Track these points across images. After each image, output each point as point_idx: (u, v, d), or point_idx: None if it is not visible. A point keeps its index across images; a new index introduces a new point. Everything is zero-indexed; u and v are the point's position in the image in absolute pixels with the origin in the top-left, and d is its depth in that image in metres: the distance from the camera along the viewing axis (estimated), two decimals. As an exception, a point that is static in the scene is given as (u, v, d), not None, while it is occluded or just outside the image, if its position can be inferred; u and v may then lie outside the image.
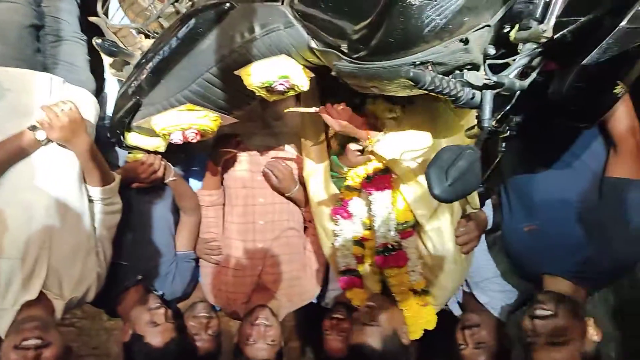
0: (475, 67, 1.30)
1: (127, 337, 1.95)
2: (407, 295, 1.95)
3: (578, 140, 1.78)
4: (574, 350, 1.61)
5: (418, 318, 1.95)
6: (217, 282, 2.36)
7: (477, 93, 1.23)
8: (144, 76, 1.84)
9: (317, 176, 2.16)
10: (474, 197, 1.88)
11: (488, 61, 1.26)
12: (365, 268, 2.05)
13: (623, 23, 1.21)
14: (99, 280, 1.94)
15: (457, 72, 1.26)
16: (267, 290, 2.33)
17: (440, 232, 1.87)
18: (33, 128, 1.83)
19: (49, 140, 1.85)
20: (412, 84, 1.15)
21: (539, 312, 1.67)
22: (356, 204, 2.02)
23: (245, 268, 2.32)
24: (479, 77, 1.23)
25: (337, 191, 2.10)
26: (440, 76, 1.17)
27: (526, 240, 1.85)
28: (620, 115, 1.68)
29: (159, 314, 1.91)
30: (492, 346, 1.95)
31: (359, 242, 2.04)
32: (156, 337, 1.88)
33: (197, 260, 2.39)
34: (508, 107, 1.44)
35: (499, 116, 1.48)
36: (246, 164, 2.35)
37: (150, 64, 1.83)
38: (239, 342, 2.14)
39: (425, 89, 1.16)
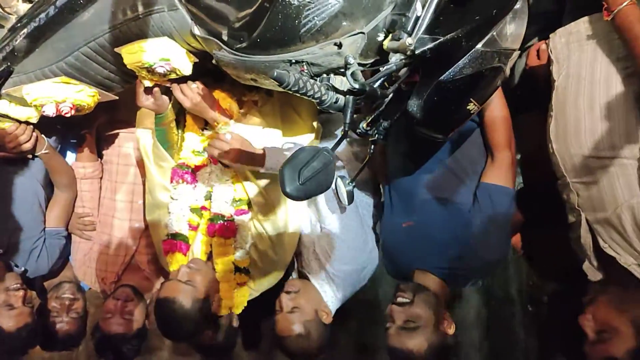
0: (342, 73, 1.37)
1: None
2: (228, 269, 1.99)
3: (459, 146, 1.89)
4: (423, 338, 1.72)
5: (231, 294, 2.01)
6: (88, 260, 2.30)
7: (342, 97, 1.28)
8: (18, 42, 1.75)
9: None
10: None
11: (359, 68, 1.32)
12: (196, 237, 2.06)
13: (478, 46, 1.32)
14: None
15: (324, 75, 1.31)
16: (139, 271, 2.29)
17: (275, 223, 1.96)
18: None
19: None
20: (277, 83, 1.17)
21: (398, 299, 1.78)
22: (204, 172, 2.03)
23: (120, 247, 2.27)
24: (344, 82, 1.29)
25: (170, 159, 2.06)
26: (306, 78, 1.21)
27: (403, 236, 1.94)
28: (499, 128, 1.81)
29: (16, 296, 1.84)
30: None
31: (198, 210, 2.04)
32: (8, 321, 1.83)
33: (68, 238, 2.31)
34: (377, 113, 1.53)
35: (370, 120, 1.57)
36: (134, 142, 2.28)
37: (25, 30, 1.73)
38: (99, 318, 2.14)
39: (290, 90, 1.19)
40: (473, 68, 1.32)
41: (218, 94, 2.00)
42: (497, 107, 1.80)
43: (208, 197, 2.03)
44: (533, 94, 1.92)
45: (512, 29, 1.40)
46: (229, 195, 1.97)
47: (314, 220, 1.99)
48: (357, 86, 1.23)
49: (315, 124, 2.07)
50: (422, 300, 1.76)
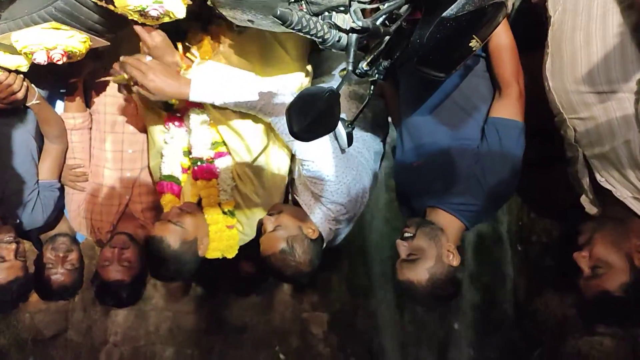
0: (347, 10, 1.34)
1: None
2: (215, 211, 2.03)
3: (467, 82, 1.89)
4: (424, 268, 1.75)
5: (221, 238, 2.04)
6: (83, 211, 2.31)
7: (344, 36, 1.27)
8: (3, -13, 1.69)
9: None
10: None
11: (359, 5, 1.30)
12: (187, 180, 2.10)
13: (480, -20, 1.30)
14: None
15: (326, 14, 1.29)
16: (134, 219, 2.31)
17: (254, 166, 1.96)
18: None
19: None
20: (279, 22, 1.16)
21: (404, 234, 1.83)
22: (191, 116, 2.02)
23: (113, 197, 2.28)
24: (346, 20, 1.27)
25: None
26: (308, 17, 1.19)
27: (414, 176, 1.97)
28: (505, 61, 1.80)
29: (9, 248, 1.85)
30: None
31: (188, 153, 2.07)
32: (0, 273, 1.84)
33: (62, 189, 2.31)
34: (378, 52, 1.52)
35: (370, 59, 1.55)
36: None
37: (10, -26, 1.68)
38: (97, 266, 2.16)
39: (292, 29, 1.17)
40: (475, 4, 1.30)
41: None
42: (502, 40, 1.78)
43: None
44: (529, 32, 1.90)
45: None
46: (206, 138, 1.99)
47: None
48: (360, 24, 1.22)
49: (305, 65, 2.04)
50: (424, 233, 1.80)
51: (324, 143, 1.81)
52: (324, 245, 2.00)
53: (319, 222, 1.96)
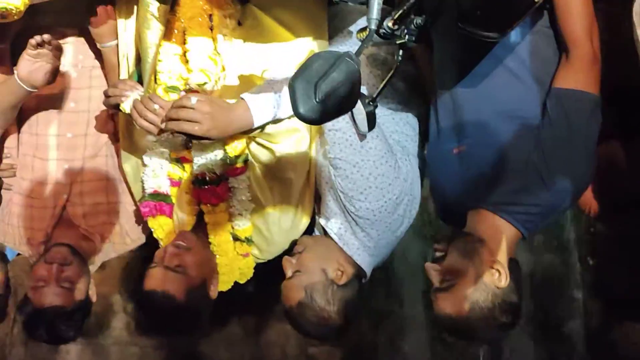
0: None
1: None
2: (224, 240, 1.71)
3: (524, 43, 1.50)
4: (461, 295, 1.38)
5: (233, 268, 1.73)
6: (7, 215, 1.90)
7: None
8: None
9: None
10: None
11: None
12: (180, 195, 1.73)
13: None
14: None
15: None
16: (74, 227, 1.88)
17: (289, 182, 1.63)
18: None
19: None
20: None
21: (435, 255, 1.49)
22: None
23: (45, 196, 1.86)
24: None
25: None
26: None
27: (453, 166, 1.59)
28: (577, 14, 1.41)
29: None
30: None
31: (177, 160, 1.71)
32: None
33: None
34: (409, 5, 1.17)
35: (397, 15, 1.18)
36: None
37: None
38: (28, 288, 1.77)
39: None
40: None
41: (187, 9, 1.59)
42: None
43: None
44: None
45: None
46: (215, 154, 1.60)
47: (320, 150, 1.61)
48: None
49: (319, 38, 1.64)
50: (457, 249, 1.43)
51: (371, 140, 1.49)
52: (367, 277, 1.69)
53: (355, 253, 1.62)
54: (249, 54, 1.60)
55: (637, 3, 1.34)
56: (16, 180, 1.87)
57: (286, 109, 1.48)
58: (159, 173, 1.68)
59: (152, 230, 1.75)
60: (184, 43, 1.59)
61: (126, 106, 1.54)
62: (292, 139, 1.58)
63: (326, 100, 0.89)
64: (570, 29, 1.40)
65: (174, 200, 1.72)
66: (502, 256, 1.41)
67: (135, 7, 1.63)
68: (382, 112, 1.61)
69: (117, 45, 1.70)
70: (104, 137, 1.86)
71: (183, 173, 1.70)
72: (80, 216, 1.87)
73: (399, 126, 1.69)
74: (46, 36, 1.56)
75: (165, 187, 1.70)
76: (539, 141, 1.41)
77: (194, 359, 3.02)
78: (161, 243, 1.75)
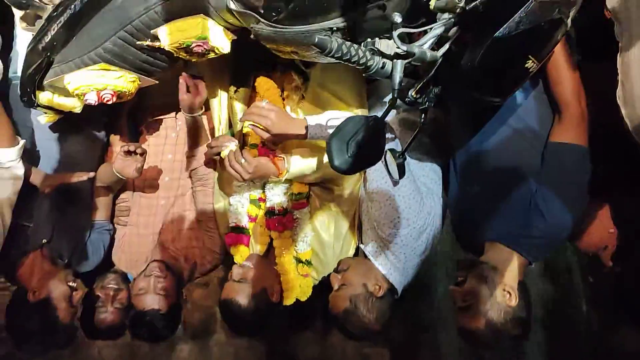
0: (391, 35, 1.28)
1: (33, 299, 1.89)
2: (287, 261, 2.01)
3: (524, 106, 1.79)
4: (479, 313, 1.63)
5: (295, 286, 2.02)
6: (122, 244, 2.26)
7: (389, 62, 1.20)
8: (55, 31, 1.72)
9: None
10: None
11: (403, 30, 1.23)
12: (255, 228, 2.07)
13: (536, -3, 1.21)
14: None
15: (369, 40, 1.22)
16: (165, 249, 2.22)
17: (343, 214, 1.97)
18: None
19: None
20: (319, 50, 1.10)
21: (457, 280, 1.73)
22: None
23: (147, 225, 2.24)
24: (390, 45, 1.20)
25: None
26: (349, 43, 1.13)
27: (469, 205, 1.86)
28: (566, 81, 1.69)
29: (76, 296, 1.91)
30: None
31: (256, 201, 2.06)
32: (63, 313, 1.88)
33: (113, 232, 2.28)
34: (427, 78, 1.42)
35: (419, 86, 1.47)
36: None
37: (62, 19, 1.71)
38: (132, 297, 2.10)
39: (332, 57, 1.12)
40: (530, 22, 1.21)
41: (263, 84, 2.02)
42: (560, 59, 1.67)
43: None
44: (594, 42, 1.75)
45: (573, -24, 1.27)
46: (284, 189, 2.00)
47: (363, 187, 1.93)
48: (404, 48, 1.15)
49: (360, 105, 2.01)
50: (474, 276, 1.69)
51: (402, 180, 1.76)
52: (399, 293, 1.94)
53: (388, 272, 1.90)
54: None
55: (619, 88, 1.62)
56: (129, 217, 2.27)
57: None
58: (240, 210, 2.04)
59: (234, 255, 2.08)
60: None
61: (225, 153, 1.93)
62: (349, 181, 1.94)
63: (356, 155, 1.12)
64: (561, 93, 1.69)
65: (251, 233, 2.06)
66: (513, 280, 1.68)
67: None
68: (413, 160, 1.95)
69: (201, 115, 2.10)
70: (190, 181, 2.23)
71: (259, 211, 2.05)
72: (170, 240, 2.21)
73: (425, 171, 1.99)
74: (132, 147, 1.98)
75: (245, 222, 2.05)
76: (540, 185, 1.68)
77: (277, 356, 3.40)
78: None
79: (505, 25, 1.20)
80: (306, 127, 1.78)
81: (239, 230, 2.06)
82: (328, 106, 1.94)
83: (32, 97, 1.87)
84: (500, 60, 1.26)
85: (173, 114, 2.31)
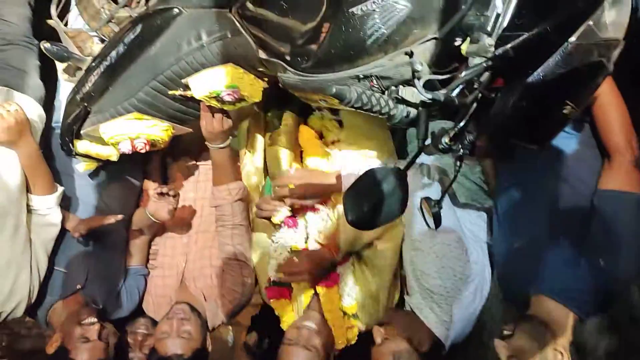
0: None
1: (52, 349, 1.84)
2: (337, 316, 1.92)
3: (571, 151, 1.68)
4: None
5: (341, 335, 1.91)
6: (149, 287, 2.20)
7: (414, 111, 1.15)
8: (92, 82, 1.78)
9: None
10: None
11: (429, 77, 1.17)
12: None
13: (572, 39, 1.13)
14: (30, 296, 1.85)
15: (393, 88, 1.17)
16: (188, 290, 2.12)
17: (386, 267, 1.90)
18: None
19: None
20: (337, 101, 1.06)
21: (503, 332, 1.59)
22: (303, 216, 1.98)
23: (172, 266, 2.17)
24: (415, 93, 1.14)
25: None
26: (369, 92, 1.09)
27: (515, 257, 1.75)
28: (614, 124, 1.58)
29: (92, 329, 1.80)
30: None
31: (299, 252, 1.96)
32: (83, 354, 1.78)
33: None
34: (462, 125, 1.36)
35: (452, 134, 1.41)
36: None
37: (98, 70, 1.76)
38: (154, 340, 1.97)
39: (353, 107, 1.07)
40: (567, 65, 1.12)
41: (305, 133, 2.06)
42: (607, 100, 1.55)
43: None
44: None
45: (613, 16, 1.17)
46: None
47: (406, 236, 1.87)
48: (429, 96, 1.09)
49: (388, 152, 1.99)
50: (523, 331, 1.55)
51: (449, 230, 1.73)
52: (446, 348, 1.83)
53: (434, 326, 1.80)
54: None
55: None
56: (155, 260, 2.23)
57: None
58: (282, 262, 1.94)
59: (275, 309, 2.01)
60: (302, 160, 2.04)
61: (277, 219, 1.93)
62: (391, 233, 1.87)
63: (373, 209, 1.05)
64: (610, 138, 1.57)
65: (293, 285, 1.97)
66: (565, 339, 1.53)
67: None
68: (460, 206, 1.87)
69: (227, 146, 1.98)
70: (213, 216, 2.14)
71: None
72: (192, 280, 2.13)
73: (471, 217, 1.91)
74: (165, 189, 1.97)
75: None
76: (591, 235, 1.56)
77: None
78: (281, 318, 2.00)
79: (539, 70, 1.12)
80: (338, 177, 1.73)
81: (282, 284, 1.98)
82: (361, 145, 1.94)
83: (71, 145, 1.93)
84: (535, 107, 1.17)
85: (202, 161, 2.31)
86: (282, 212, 1.92)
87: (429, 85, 1.14)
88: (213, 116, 1.82)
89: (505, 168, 1.82)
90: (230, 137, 1.96)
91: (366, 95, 1.07)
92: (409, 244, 1.83)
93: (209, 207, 2.17)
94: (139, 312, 2.18)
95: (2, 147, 1.83)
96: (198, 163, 2.31)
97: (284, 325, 2.00)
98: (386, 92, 1.17)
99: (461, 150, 1.40)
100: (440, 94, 1.12)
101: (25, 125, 1.82)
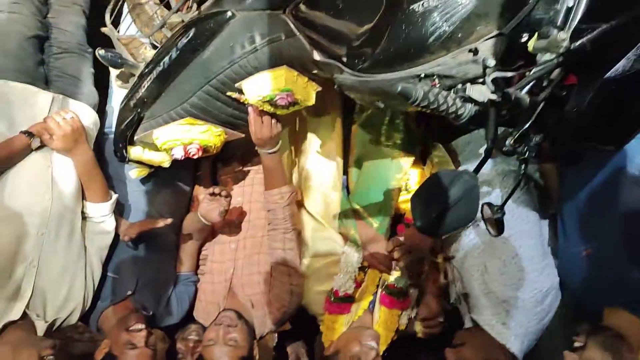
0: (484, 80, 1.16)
1: (100, 355, 1.82)
2: (389, 335, 1.94)
3: None
4: None
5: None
6: (199, 293, 2.17)
7: (481, 109, 1.09)
8: (145, 88, 1.78)
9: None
10: None
11: (497, 74, 1.11)
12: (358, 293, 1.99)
13: (655, 31, 1.05)
14: (84, 302, 1.86)
15: (460, 86, 1.12)
16: (236, 297, 2.08)
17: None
18: (28, 134, 1.77)
19: (39, 147, 1.80)
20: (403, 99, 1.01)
21: (574, 344, 1.53)
22: None
23: (220, 272, 2.13)
24: (483, 91, 1.08)
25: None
26: (437, 90, 1.03)
27: (584, 267, 1.67)
28: None
29: (139, 336, 1.78)
30: None
31: (363, 267, 1.97)
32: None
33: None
34: (528, 125, 1.28)
35: (517, 135, 1.34)
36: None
37: (151, 76, 1.76)
38: (201, 349, 1.94)
39: (419, 106, 1.02)
40: (649, 59, 1.05)
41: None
42: None
43: None
44: None
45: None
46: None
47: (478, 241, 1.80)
48: (499, 94, 1.03)
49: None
50: (596, 343, 1.47)
51: (527, 238, 1.70)
52: None
53: (507, 342, 1.75)
54: None
55: None
56: (205, 266, 2.20)
57: None
58: (348, 277, 1.95)
59: (322, 321, 2.02)
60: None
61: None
62: None
63: (443, 215, 0.99)
64: None
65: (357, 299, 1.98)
66: None
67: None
68: (533, 212, 1.81)
69: (277, 150, 1.93)
70: (261, 221, 2.13)
71: (364, 277, 1.99)
72: (240, 286, 2.08)
73: (546, 226, 1.84)
74: (218, 189, 1.94)
75: (351, 290, 1.96)
76: None
77: None
78: (325, 332, 2.01)
79: (617, 65, 1.05)
80: None
81: (347, 299, 1.97)
82: None
83: (124, 152, 1.93)
84: (613, 104, 1.10)
85: (255, 166, 2.26)
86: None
87: (494, 84, 1.08)
88: (262, 122, 1.78)
89: (571, 172, 1.73)
90: (280, 142, 1.91)
91: (433, 93, 1.02)
92: (477, 258, 1.78)
93: (257, 211, 2.15)
94: (189, 318, 2.15)
95: (58, 154, 1.84)
96: (245, 168, 2.27)
97: (326, 339, 2.01)
98: (452, 91, 1.12)
99: (527, 153, 1.35)
100: (511, 91, 1.05)
101: (81, 132, 1.84)
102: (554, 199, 1.86)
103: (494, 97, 1.06)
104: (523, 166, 1.42)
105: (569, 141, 1.34)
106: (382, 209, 1.96)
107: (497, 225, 1.50)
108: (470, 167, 1.87)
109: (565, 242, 1.73)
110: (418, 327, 1.97)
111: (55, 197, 1.79)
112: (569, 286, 1.77)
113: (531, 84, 1.12)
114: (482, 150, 1.87)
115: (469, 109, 1.08)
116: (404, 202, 1.99)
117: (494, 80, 1.05)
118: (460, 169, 1.88)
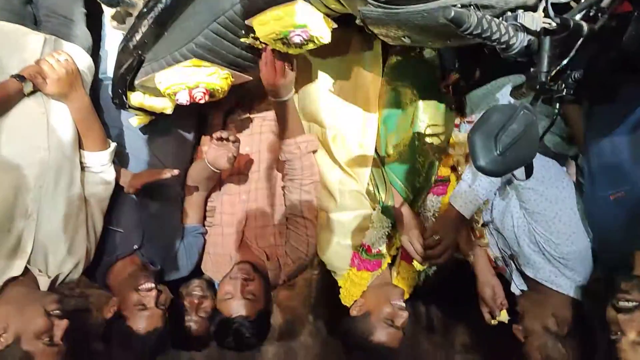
0: (536, 7, 1.06)
1: (109, 314, 1.77)
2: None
3: None
4: None
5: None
6: (207, 245, 2.09)
7: (534, 39, 1.00)
8: (146, 28, 1.64)
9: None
10: None
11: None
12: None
13: None
14: (87, 256, 1.77)
15: (509, 13, 1.02)
16: (249, 249, 2.01)
17: None
18: (19, 78, 1.64)
19: (32, 93, 1.67)
20: (454, 27, 0.91)
21: (622, 303, 1.43)
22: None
23: (231, 224, 2.05)
24: (536, 19, 0.99)
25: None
26: (489, 17, 0.93)
27: (613, 211, 1.61)
28: None
29: (149, 296, 1.72)
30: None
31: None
32: (140, 322, 1.71)
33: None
34: (566, 60, 1.18)
35: (554, 71, 1.24)
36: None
37: (152, 14, 1.62)
38: (216, 303, 1.90)
39: (470, 34, 0.92)
40: None
41: None
42: None
43: None
44: None
45: None
46: None
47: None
48: (558, 21, 0.93)
49: None
50: None
51: (563, 190, 1.69)
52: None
53: (570, 290, 1.76)
54: None
55: None
56: (213, 217, 2.11)
57: (484, 192, 1.76)
58: (382, 232, 1.89)
59: (338, 275, 1.99)
60: None
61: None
62: None
63: (506, 152, 0.92)
64: None
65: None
66: None
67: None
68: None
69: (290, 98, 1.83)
70: (273, 171, 2.05)
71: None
72: (253, 238, 2.02)
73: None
74: (225, 133, 1.83)
75: (384, 246, 1.93)
76: None
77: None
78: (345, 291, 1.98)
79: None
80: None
81: (376, 256, 1.93)
82: None
83: (124, 98, 1.82)
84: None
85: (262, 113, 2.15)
86: None
87: (552, 9, 0.98)
88: (274, 67, 1.67)
89: (599, 112, 1.65)
90: (293, 89, 1.80)
91: (486, 20, 0.92)
92: (524, 219, 1.76)
93: (266, 161, 2.05)
94: (196, 272, 2.08)
95: (53, 100, 1.72)
96: (252, 115, 2.16)
97: (348, 295, 1.97)
98: (502, 18, 1.02)
99: (564, 90, 1.26)
100: (568, 18, 0.96)
101: (77, 76, 1.72)
102: (578, 141, 1.79)
103: (548, 25, 0.96)
104: (558, 105, 1.35)
105: (606, 76, 1.26)
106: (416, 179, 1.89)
107: (526, 169, 1.44)
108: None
109: (591, 186, 1.67)
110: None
111: (53, 146, 1.68)
112: (595, 231, 1.72)
113: (585, 10, 1.03)
114: (504, 92, 1.82)
115: (520, 39, 0.99)
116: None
117: (553, 5, 0.95)
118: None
